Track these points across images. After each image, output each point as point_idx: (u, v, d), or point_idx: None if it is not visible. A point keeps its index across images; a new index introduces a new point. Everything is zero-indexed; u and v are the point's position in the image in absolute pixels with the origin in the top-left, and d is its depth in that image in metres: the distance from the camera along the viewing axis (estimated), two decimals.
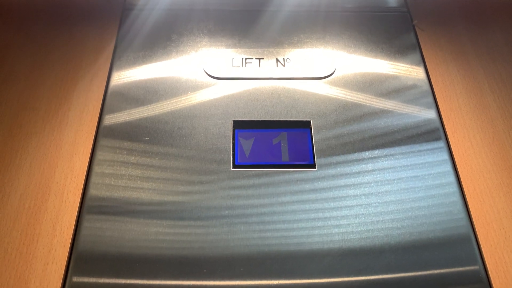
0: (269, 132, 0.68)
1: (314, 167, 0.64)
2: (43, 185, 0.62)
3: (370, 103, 0.70)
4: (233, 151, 0.66)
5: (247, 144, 0.67)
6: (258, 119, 0.69)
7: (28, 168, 0.63)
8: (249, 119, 0.69)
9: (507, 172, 0.64)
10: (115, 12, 0.82)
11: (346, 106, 0.70)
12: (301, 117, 0.69)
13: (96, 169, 0.63)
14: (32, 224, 0.59)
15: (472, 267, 0.56)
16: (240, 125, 0.68)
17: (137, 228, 0.59)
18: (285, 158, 0.65)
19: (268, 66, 0.75)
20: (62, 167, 0.63)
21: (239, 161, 0.65)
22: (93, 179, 0.62)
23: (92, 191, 0.61)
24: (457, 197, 0.62)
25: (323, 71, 0.74)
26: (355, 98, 0.71)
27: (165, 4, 0.82)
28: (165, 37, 0.78)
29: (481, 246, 0.58)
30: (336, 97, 0.71)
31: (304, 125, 0.68)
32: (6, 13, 0.82)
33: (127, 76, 0.73)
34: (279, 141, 0.67)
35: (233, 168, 0.64)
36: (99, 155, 0.64)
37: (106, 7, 0.83)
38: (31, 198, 0.61)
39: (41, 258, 0.56)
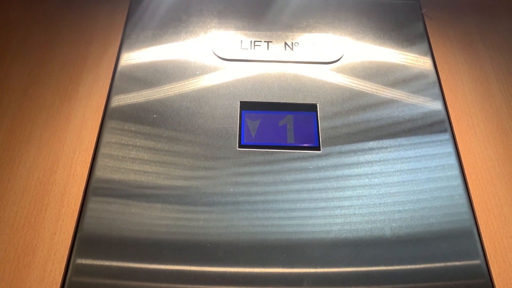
0: (276, 114, 0.69)
1: (319, 150, 0.65)
2: (52, 157, 0.63)
3: (376, 91, 0.71)
4: (239, 131, 0.67)
5: (253, 125, 0.67)
6: (265, 101, 0.70)
7: (37, 140, 0.64)
8: (256, 100, 0.70)
9: (510, 161, 0.65)
10: None
11: (352, 92, 0.71)
12: (308, 101, 0.70)
13: (103, 150, 0.64)
14: (41, 194, 0.60)
15: (474, 261, 0.57)
16: (247, 106, 0.69)
17: (141, 211, 0.59)
18: (290, 140, 0.66)
19: (276, 49, 0.75)
20: (71, 140, 0.64)
21: (245, 141, 0.66)
22: (100, 160, 0.63)
23: (98, 173, 0.62)
24: (461, 191, 0.62)
25: (331, 56, 0.74)
26: (361, 85, 0.72)
27: None
28: (175, 17, 0.78)
29: (482, 233, 0.59)
30: (343, 82, 0.72)
31: (310, 108, 0.69)
32: None
33: (136, 56, 0.74)
34: (285, 123, 0.68)
35: (239, 148, 0.65)
36: (106, 136, 0.65)
37: None
38: (40, 169, 0.62)
39: (49, 228, 0.57)
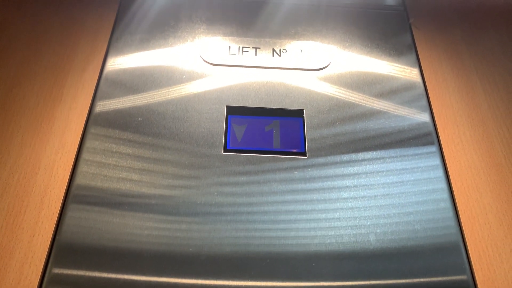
0: (262, 119, 0.68)
1: (305, 155, 0.65)
2: (33, 159, 0.62)
3: (363, 101, 0.71)
4: (225, 135, 0.66)
5: (239, 130, 0.67)
6: (252, 106, 0.69)
7: (19, 141, 0.63)
8: (243, 105, 0.69)
9: (495, 169, 0.65)
10: None
11: (339, 100, 0.71)
12: (295, 106, 0.70)
13: (84, 156, 0.63)
14: (20, 196, 0.59)
15: (460, 276, 0.56)
16: (233, 111, 0.69)
17: (122, 220, 0.58)
18: (276, 145, 0.66)
19: (264, 55, 0.75)
20: (54, 142, 0.63)
21: (230, 145, 0.65)
22: (81, 167, 0.61)
23: (79, 180, 0.60)
24: (448, 204, 0.61)
25: (318, 63, 0.75)
26: (348, 94, 0.72)
27: None
28: (164, 22, 0.78)
29: (467, 244, 0.58)
30: (330, 89, 0.72)
31: (297, 114, 0.69)
32: None
33: (123, 59, 0.73)
34: (272, 129, 0.67)
35: (224, 152, 0.64)
36: (89, 142, 0.64)
37: None
38: (21, 170, 0.61)
39: (27, 230, 0.56)
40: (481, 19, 0.85)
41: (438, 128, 0.69)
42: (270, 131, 0.67)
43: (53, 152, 0.62)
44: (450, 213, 0.61)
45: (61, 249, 0.55)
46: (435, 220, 0.60)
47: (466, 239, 0.59)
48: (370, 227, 0.59)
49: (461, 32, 0.82)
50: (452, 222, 0.60)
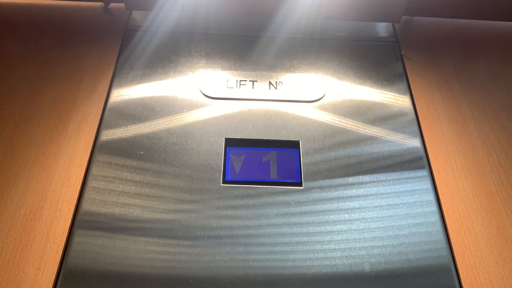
0: (259, 151, 0.71)
1: (301, 185, 0.67)
2: (39, 193, 0.64)
3: (357, 128, 0.74)
4: (224, 167, 0.68)
5: (237, 161, 0.69)
6: (249, 137, 0.72)
7: (26, 176, 0.66)
8: (241, 137, 0.72)
9: (485, 197, 0.67)
10: (118, 32, 0.86)
11: (334, 129, 0.73)
12: (291, 138, 0.72)
13: (90, 183, 0.65)
14: (27, 230, 0.61)
15: None
16: (231, 143, 0.71)
17: (125, 245, 0.60)
18: (273, 175, 0.68)
19: (261, 88, 0.78)
20: (59, 177, 0.66)
21: (229, 177, 0.68)
22: (87, 193, 0.64)
23: (85, 206, 0.63)
24: (438, 227, 0.63)
25: (313, 95, 0.77)
26: (342, 123, 0.74)
27: (166, 27, 0.86)
28: (165, 57, 0.82)
29: (459, 269, 0.60)
30: (325, 119, 0.74)
31: (293, 145, 0.71)
32: (13, 29, 0.86)
33: (126, 93, 0.76)
34: (269, 160, 0.70)
35: (223, 183, 0.67)
36: (95, 170, 0.67)
37: (109, 28, 0.87)
38: (27, 205, 0.63)
39: (34, 263, 0.58)
40: (470, 49, 0.88)
41: (429, 156, 0.71)
42: (267, 162, 0.70)
43: (59, 186, 0.65)
44: (441, 236, 0.63)
45: (67, 281, 0.57)
46: (427, 243, 0.62)
47: (458, 266, 0.60)
48: (365, 249, 0.61)
49: (451, 62, 0.85)
50: (443, 245, 0.62)
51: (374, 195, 0.66)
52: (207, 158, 0.69)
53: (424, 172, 0.69)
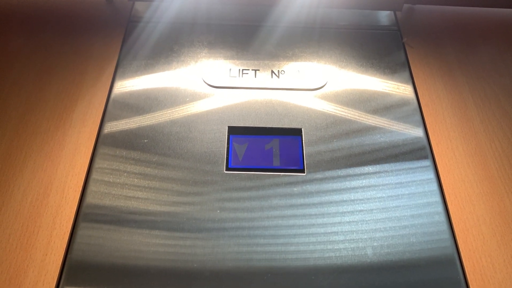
0: (262, 138, 0.71)
1: (304, 172, 0.67)
2: (45, 181, 0.65)
3: (359, 117, 0.74)
4: (227, 155, 0.69)
5: (240, 149, 0.70)
6: (252, 126, 0.73)
7: (32, 165, 0.67)
8: (244, 125, 0.73)
9: (488, 181, 0.67)
10: (121, 24, 0.86)
11: (336, 118, 0.74)
12: (293, 125, 0.73)
13: (94, 174, 0.66)
14: (34, 217, 0.62)
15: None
16: (234, 131, 0.72)
17: (129, 237, 0.61)
18: (276, 163, 0.69)
19: (263, 77, 0.79)
20: (64, 165, 0.67)
21: (232, 164, 0.68)
22: (91, 186, 0.65)
23: (89, 199, 0.64)
24: (442, 217, 0.64)
25: (315, 83, 0.78)
26: (344, 111, 0.75)
27: (169, 18, 0.87)
28: (167, 48, 0.82)
29: (462, 256, 0.60)
30: (327, 108, 0.75)
31: (295, 133, 0.72)
32: (18, 22, 0.87)
33: (129, 83, 0.77)
34: (271, 147, 0.70)
35: (226, 171, 0.67)
36: (99, 160, 0.67)
37: (112, 19, 0.88)
38: (34, 193, 0.64)
39: (40, 249, 0.59)
40: (472, 36, 0.88)
41: (431, 142, 0.71)
42: (270, 149, 0.70)
43: (64, 175, 0.66)
44: (445, 226, 0.63)
45: (73, 267, 0.58)
46: (430, 233, 0.62)
47: (461, 250, 0.61)
48: (367, 241, 0.61)
49: (453, 49, 0.85)
50: (447, 235, 0.62)
51: (377, 185, 0.66)
52: (210, 146, 0.70)
53: (427, 162, 0.69)
